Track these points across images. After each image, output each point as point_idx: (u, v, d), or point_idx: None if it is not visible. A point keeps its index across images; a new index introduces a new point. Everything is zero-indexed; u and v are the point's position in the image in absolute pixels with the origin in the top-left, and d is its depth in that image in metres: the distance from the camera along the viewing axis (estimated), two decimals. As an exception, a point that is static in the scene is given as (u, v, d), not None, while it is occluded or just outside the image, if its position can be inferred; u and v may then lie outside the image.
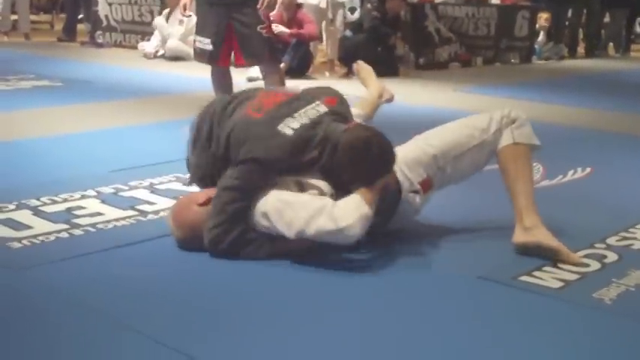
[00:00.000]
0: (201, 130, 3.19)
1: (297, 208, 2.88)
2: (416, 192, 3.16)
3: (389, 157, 2.98)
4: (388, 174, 3.01)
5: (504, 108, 3.29)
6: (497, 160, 3.23)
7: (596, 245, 3.21)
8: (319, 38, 9.91)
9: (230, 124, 3.09)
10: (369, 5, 9.36)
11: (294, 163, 2.99)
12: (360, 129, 3.08)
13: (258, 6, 4.76)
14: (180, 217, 3.07)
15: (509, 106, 3.37)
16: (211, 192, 3.04)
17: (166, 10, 10.38)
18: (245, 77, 7.56)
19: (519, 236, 3.09)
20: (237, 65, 5.14)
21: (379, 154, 2.94)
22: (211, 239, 2.95)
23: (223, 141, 3.07)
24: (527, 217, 3.09)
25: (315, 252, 2.93)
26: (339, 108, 3.21)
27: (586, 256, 3.08)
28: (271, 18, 5.00)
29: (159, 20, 10.37)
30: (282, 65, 7.42)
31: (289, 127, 2.99)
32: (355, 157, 2.92)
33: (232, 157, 3.02)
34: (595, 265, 2.99)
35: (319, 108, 3.11)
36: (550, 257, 3.01)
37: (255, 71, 7.22)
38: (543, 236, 3.05)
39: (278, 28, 8.13)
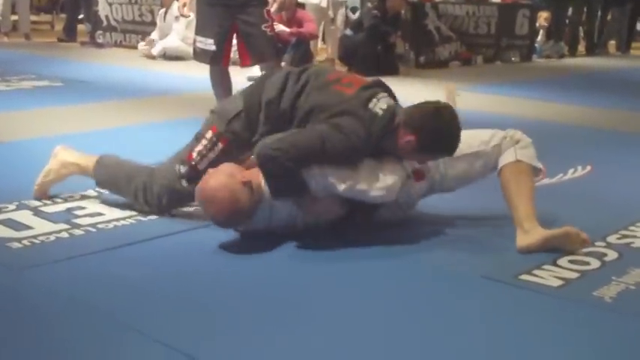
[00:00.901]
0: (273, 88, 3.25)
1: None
2: (408, 177, 3.22)
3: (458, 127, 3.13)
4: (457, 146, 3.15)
5: (510, 129, 3.36)
6: (500, 178, 3.27)
7: (597, 243, 3.21)
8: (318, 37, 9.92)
9: (314, 91, 3.17)
10: (369, 4, 9.37)
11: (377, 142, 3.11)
12: (430, 102, 3.21)
13: (272, 9, 4.77)
14: (217, 192, 2.98)
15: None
16: (248, 173, 3.05)
17: (162, 10, 10.37)
18: (245, 77, 7.54)
19: (522, 240, 3.11)
20: (243, 65, 5.14)
21: (451, 121, 3.12)
22: (267, 154, 2.99)
23: (306, 106, 3.14)
24: (526, 223, 3.13)
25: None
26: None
27: (586, 254, 3.08)
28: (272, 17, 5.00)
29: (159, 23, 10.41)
30: (282, 64, 7.42)
31: (379, 107, 3.10)
32: (433, 124, 3.08)
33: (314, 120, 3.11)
34: (595, 264, 3.00)
35: (388, 98, 3.19)
36: (562, 245, 3.07)
37: (255, 71, 7.21)
38: (544, 232, 3.09)
39: (278, 27, 8.12)
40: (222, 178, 3.00)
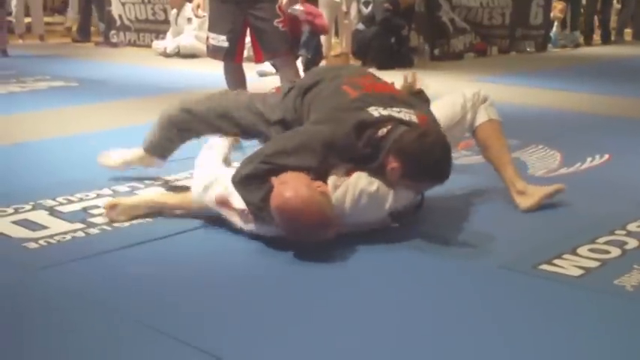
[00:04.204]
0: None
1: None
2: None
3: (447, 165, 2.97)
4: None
5: (472, 88, 3.53)
6: (475, 137, 3.47)
7: (617, 232, 3.17)
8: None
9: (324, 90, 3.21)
10: (382, -4, 9.30)
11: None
12: (418, 128, 3.02)
13: (283, 3, 4.76)
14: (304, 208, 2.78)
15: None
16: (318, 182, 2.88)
17: (174, 11, 10.37)
18: (255, 72, 7.53)
19: (523, 202, 3.38)
20: (257, 61, 5.14)
21: (434, 148, 2.93)
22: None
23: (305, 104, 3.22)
24: (518, 183, 3.41)
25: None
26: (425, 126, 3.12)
27: (606, 242, 3.05)
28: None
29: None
30: (299, 59, 7.40)
31: (378, 111, 3.03)
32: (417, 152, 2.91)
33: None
34: (616, 252, 2.97)
35: (412, 117, 3.06)
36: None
37: (266, 66, 7.20)
38: (539, 191, 3.40)
39: (294, 9, 7.94)
40: (302, 189, 2.80)
